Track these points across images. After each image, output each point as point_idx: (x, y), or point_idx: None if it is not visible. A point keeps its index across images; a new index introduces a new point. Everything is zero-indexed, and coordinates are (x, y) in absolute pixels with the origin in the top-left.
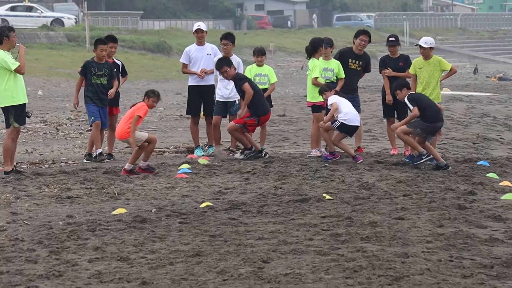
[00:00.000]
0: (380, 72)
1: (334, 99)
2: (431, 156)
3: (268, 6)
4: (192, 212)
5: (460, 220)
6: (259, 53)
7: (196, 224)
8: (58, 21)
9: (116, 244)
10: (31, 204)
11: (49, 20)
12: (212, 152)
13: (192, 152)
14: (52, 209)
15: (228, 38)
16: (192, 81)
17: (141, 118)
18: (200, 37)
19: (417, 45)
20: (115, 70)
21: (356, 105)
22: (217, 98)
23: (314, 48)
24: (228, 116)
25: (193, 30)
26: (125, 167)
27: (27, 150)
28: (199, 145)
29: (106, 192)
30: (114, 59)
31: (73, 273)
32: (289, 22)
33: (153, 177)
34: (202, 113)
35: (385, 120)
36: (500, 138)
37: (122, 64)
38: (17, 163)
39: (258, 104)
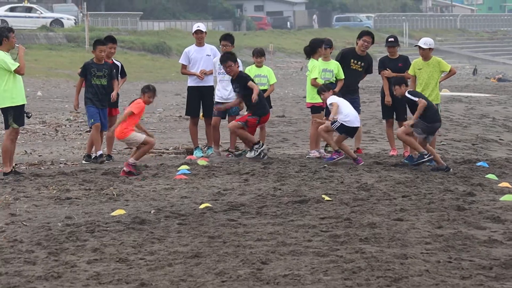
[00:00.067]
0: (379, 73)
1: (333, 99)
2: (432, 157)
3: (267, 7)
4: (191, 213)
5: (459, 221)
6: (259, 54)
7: (195, 225)
8: (57, 22)
9: (115, 245)
10: (30, 205)
11: (48, 21)
12: (212, 153)
13: (191, 153)
14: (51, 210)
15: (227, 39)
16: (191, 82)
17: (135, 114)
18: (199, 38)
19: (416, 46)
20: (114, 71)
21: (356, 106)
22: (216, 99)
23: (313, 49)
24: (227, 117)
25: (193, 31)
26: (130, 162)
27: (26, 151)
28: (198, 146)
29: (105, 193)
30: (114, 60)
31: (72, 275)
32: (288, 23)
33: (152, 178)
34: (201, 114)
35: (384, 121)
36: (499, 139)
37: (121, 65)
38: (16, 164)
39: (260, 103)
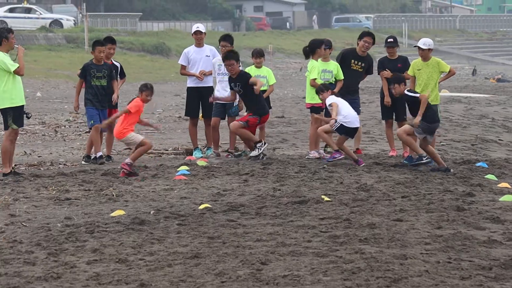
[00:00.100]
0: (378, 74)
1: (333, 99)
2: (430, 160)
3: (267, 7)
4: (191, 214)
5: (459, 221)
6: (258, 55)
7: (195, 226)
8: (57, 23)
9: (115, 246)
10: (30, 206)
11: (48, 22)
12: (211, 154)
13: (191, 154)
14: (51, 211)
15: (226, 39)
16: (191, 82)
17: (132, 113)
18: (198, 38)
19: (415, 46)
20: (113, 71)
21: (356, 106)
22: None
23: (311, 49)
24: (226, 117)
25: (192, 32)
26: (126, 161)
27: (25, 152)
28: (198, 147)
29: (105, 194)
30: (113, 61)
31: (72, 275)
32: (287, 24)
33: (151, 179)
34: (200, 114)
35: (383, 121)
36: (499, 139)
37: (121, 66)
38: (15, 165)
39: (260, 103)
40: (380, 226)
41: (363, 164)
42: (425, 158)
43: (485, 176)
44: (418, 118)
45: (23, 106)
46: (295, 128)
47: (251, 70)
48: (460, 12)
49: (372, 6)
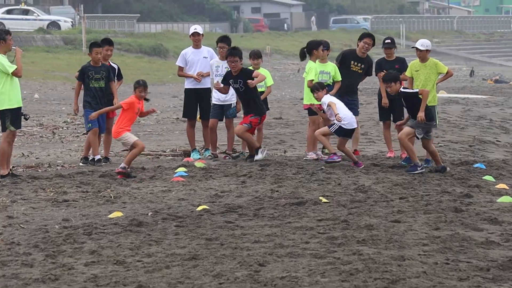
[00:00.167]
0: (376, 75)
1: (330, 98)
2: (424, 170)
3: (264, 9)
4: (189, 216)
5: (456, 223)
6: (255, 56)
7: (193, 227)
8: (54, 24)
9: (112, 247)
10: (27, 208)
11: (45, 23)
12: (209, 155)
13: (189, 155)
14: (48, 212)
15: (224, 41)
16: (188, 84)
17: (125, 110)
18: (196, 40)
19: (413, 47)
20: (111, 73)
21: (355, 107)
22: (214, 101)
23: (308, 50)
24: (224, 119)
25: (190, 33)
26: (120, 166)
27: (23, 154)
28: (196, 148)
29: (103, 195)
30: (110, 62)
31: (69, 277)
32: (285, 25)
33: (149, 180)
34: (198, 116)
35: (381, 123)
36: (497, 140)
37: (118, 68)
38: (13, 167)
39: (260, 101)
40: (378, 228)
41: (362, 166)
42: (419, 168)
43: (483, 177)
44: (421, 114)
45: (20, 108)
46: (292, 129)
47: None
48: (457, 13)
49: (370, 7)
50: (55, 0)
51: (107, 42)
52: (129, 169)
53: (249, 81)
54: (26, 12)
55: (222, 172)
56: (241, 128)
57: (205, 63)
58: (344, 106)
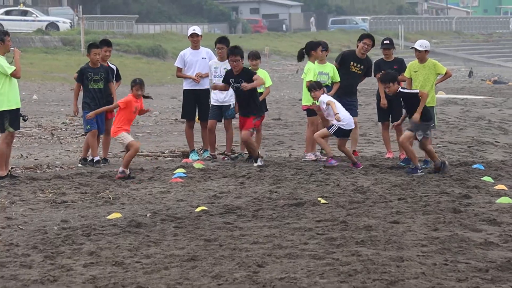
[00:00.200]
0: (374, 76)
1: (327, 98)
2: (423, 173)
3: (263, 9)
4: (187, 217)
5: (455, 223)
6: (254, 57)
7: (191, 228)
8: (53, 25)
9: (111, 248)
10: (26, 209)
11: (44, 24)
12: (207, 156)
13: (187, 156)
14: (47, 213)
15: (223, 42)
16: (187, 85)
17: (122, 109)
18: (195, 41)
19: (412, 48)
20: (110, 74)
21: (354, 108)
22: (212, 102)
23: (307, 51)
24: (223, 120)
25: (188, 34)
26: (119, 171)
27: (22, 155)
28: (194, 149)
29: (101, 196)
30: (109, 63)
31: (68, 278)
32: (284, 26)
33: (148, 181)
34: (197, 117)
35: (380, 123)
36: (495, 141)
37: (117, 69)
38: (12, 168)
39: (259, 102)
40: (376, 228)
41: (361, 167)
42: (420, 171)
43: (482, 178)
44: (417, 115)
45: (19, 109)
46: (291, 130)
47: None
48: (456, 14)
49: (369, 8)
50: (53, 1)
51: (106, 43)
52: (128, 171)
53: (242, 84)
54: (24, 13)
55: (221, 173)
56: (247, 133)
57: (203, 64)
58: (342, 107)
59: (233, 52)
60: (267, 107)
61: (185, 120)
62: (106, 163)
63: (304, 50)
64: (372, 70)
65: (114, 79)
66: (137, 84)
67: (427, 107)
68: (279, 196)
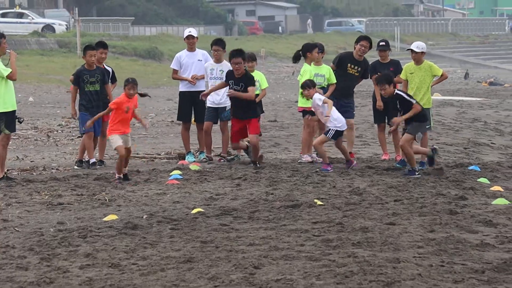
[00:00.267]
0: (370, 78)
1: (321, 97)
2: (421, 175)
3: (259, 11)
4: (183, 218)
5: (451, 225)
6: (250, 59)
7: (188, 230)
8: (49, 28)
9: (107, 250)
10: (22, 211)
11: (40, 27)
12: (203, 158)
13: (183, 158)
14: (43, 215)
15: (219, 44)
16: (183, 87)
17: (114, 110)
18: (191, 43)
19: (408, 49)
20: (106, 75)
21: (351, 110)
22: (208, 104)
23: (303, 53)
24: (219, 122)
25: (184, 36)
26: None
27: (18, 157)
28: (190, 151)
29: (97, 198)
30: (105, 65)
31: (64, 280)
32: (280, 28)
33: (144, 183)
34: (193, 119)
35: (376, 125)
36: (491, 143)
37: (112, 71)
38: (8, 170)
39: (255, 103)
40: (373, 230)
41: (354, 165)
42: (417, 173)
43: (478, 180)
44: (400, 119)
45: (15, 111)
46: (287, 132)
47: None
48: (452, 16)
49: (365, 10)
50: (49, 4)
51: (102, 45)
52: (126, 171)
53: (229, 90)
54: (20, 15)
55: (217, 175)
56: (256, 137)
57: (199, 66)
58: (335, 108)
59: (236, 55)
60: (263, 109)
61: (181, 122)
62: (102, 165)
63: (300, 52)
64: (369, 72)
65: (110, 81)
66: (130, 83)
67: (423, 108)
68: (275, 198)
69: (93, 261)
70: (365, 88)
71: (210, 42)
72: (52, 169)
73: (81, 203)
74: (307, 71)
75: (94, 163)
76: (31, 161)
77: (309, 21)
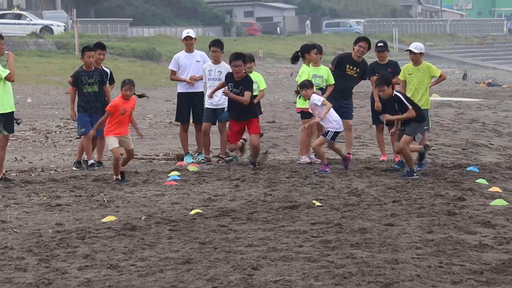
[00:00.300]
0: (368, 79)
1: (323, 98)
2: (418, 176)
3: (257, 12)
4: (182, 219)
5: (450, 226)
6: (248, 60)
7: (186, 231)
8: (47, 29)
9: (106, 251)
10: (21, 212)
11: (38, 28)
12: (202, 159)
13: (182, 159)
14: (42, 217)
15: (217, 45)
16: (181, 88)
17: (111, 112)
18: (189, 44)
19: (407, 50)
20: (104, 76)
21: (349, 111)
22: (207, 105)
23: (301, 54)
24: (217, 123)
25: (182, 37)
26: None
27: (16, 158)
28: (189, 152)
29: (96, 199)
30: (103, 67)
31: (63, 281)
32: (278, 29)
33: (142, 184)
34: (191, 120)
35: (374, 126)
36: (490, 143)
37: (111, 72)
38: (6, 171)
39: (254, 104)
40: (371, 231)
41: (351, 160)
42: (416, 174)
43: (476, 181)
44: (391, 117)
45: (13, 112)
46: (286, 133)
47: None
48: (450, 17)
49: (363, 11)
50: (47, 5)
51: (100, 46)
52: (119, 174)
53: (225, 90)
54: (18, 16)
55: (215, 176)
56: (257, 138)
57: (198, 67)
58: (333, 109)
59: (236, 58)
60: (262, 110)
61: (179, 123)
62: (101, 166)
63: (299, 53)
64: (367, 73)
65: (108, 82)
66: (126, 84)
67: (421, 109)
68: (273, 199)
69: (92, 262)
70: (364, 89)
71: (208, 43)
72: (51, 170)
73: (80, 204)
74: (305, 72)
75: (92, 164)
76: (30, 162)
77: (308, 22)
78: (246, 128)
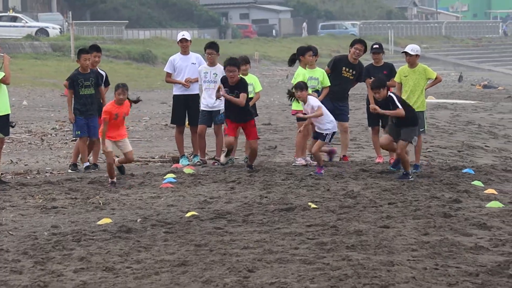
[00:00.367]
0: (364, 81)
1: (318, 103)
2: (414, 178)
3: (252, 15)
4: (178, 222)
5: (445, 228)
6: (244, 62)
7: (182, 233)
8: (42, 31)
9: (101, 254)
10: (16, 215)
11: (33, 30)
12: (197, 162)
13: (177, 162)
14: (37, 219)
15: (212, 47)
16: (177, 90)
17: (106, 117)
18: (184, 46)
19: (403, 52)
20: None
21: (345, 113)
22: (202, 107)
23: (297, 56)
24: (213, 125)
25: (178, 40)
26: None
27: (11, 161)
28: (184, 155)
29: (91, 202)
30: (98, 69)
31: (58, 284)
32: (274, 31)
33: (138, 186)
34: (187, 122)
35: (370, 128)
36: (485, 146)
37: (106, 74)
38: (1, 174)
39: (250, 106)
40: (367, 233)
41: (333, 151)
42: (411, 177)
43: (472, 183)
44: (379, 110)
45: (9, 115)
46: (281, 135)
47: None
48: (446, 19)
49: (358, 13)
50: (43, 7)
51: (95, 48)
52: (115, 176)
53: (222, 91)
54: (14, 19)
55: (211, 178)
56: (256, 143)
57: (193, 69)
58: (327, 111)
59: (230, 63)
60: (257, 112)
61: (175, 125)
62: (96, 169)
63: (295, 56)
64: (363, 75)
65: (103, 84)
66: (119, 88)
67: (414, 111)
68: (269, 201)
69: (87, 264)
70: (359, 91)
71: (204, 46)
72: (46, 172)
73: (75, 206)
74: (300, 74)
75: (88, 167)
76: (25, 165)
77: (304, 24)
78: (244, 132)
